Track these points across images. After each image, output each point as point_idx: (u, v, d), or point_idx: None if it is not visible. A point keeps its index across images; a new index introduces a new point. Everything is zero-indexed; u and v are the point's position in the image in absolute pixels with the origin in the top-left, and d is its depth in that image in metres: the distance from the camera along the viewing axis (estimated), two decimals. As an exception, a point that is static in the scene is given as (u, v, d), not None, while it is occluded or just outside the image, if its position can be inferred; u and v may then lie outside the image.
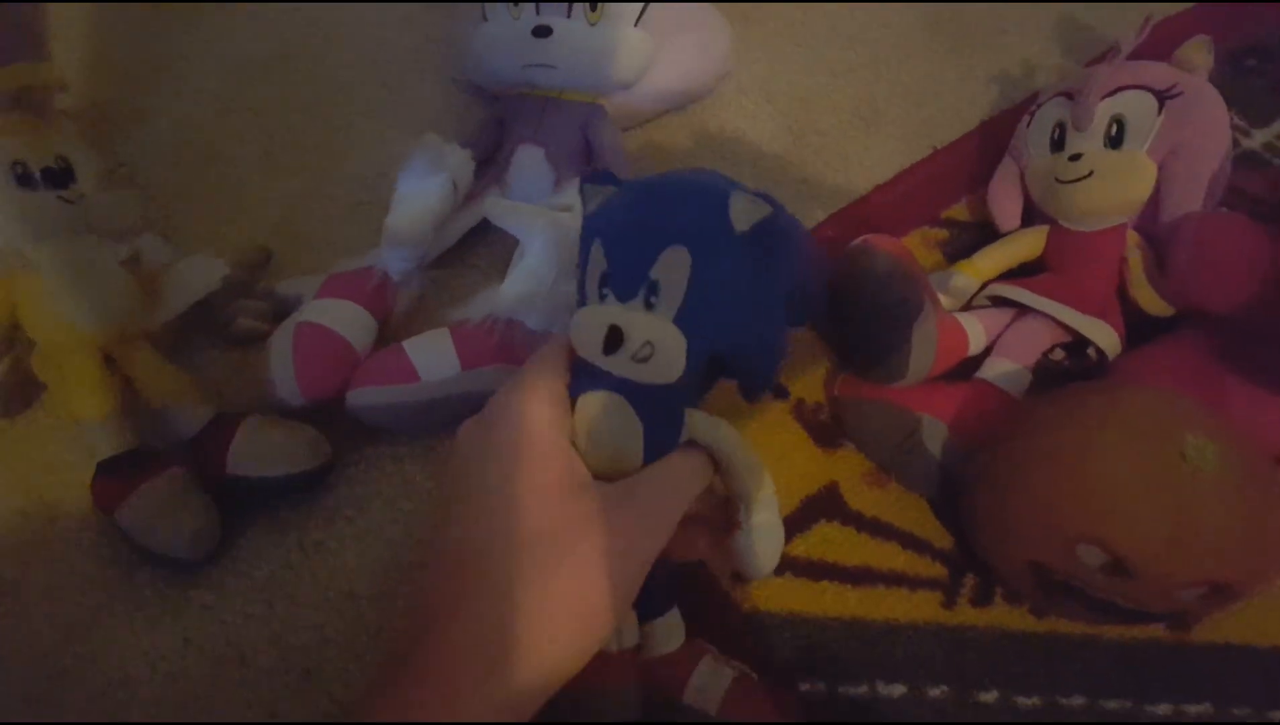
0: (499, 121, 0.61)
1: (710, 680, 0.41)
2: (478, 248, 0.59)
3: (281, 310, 0.53)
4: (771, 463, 0.47)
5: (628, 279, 0.36)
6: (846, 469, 0.51)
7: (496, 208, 0.51)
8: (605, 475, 0.35)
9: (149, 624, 0.45)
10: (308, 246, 0.60)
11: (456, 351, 0.49)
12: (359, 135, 0.66)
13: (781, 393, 0.53)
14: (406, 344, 0.49)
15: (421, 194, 0.52)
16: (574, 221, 0.47)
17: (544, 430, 0.34)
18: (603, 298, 0.36)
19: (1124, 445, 0.39)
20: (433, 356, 0.48)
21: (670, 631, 0.42)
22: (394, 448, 0.51)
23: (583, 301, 0.38)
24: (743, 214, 0.36)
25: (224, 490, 0.47)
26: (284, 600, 0.46)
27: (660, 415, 0.37)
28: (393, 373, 0.47)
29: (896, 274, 0.46)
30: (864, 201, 0.61)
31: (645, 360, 0.35)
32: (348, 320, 0.50)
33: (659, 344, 0.35)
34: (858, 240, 0.48)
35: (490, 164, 0.59)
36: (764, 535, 0.39)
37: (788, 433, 0.52)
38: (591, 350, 0.36)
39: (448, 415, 0.50)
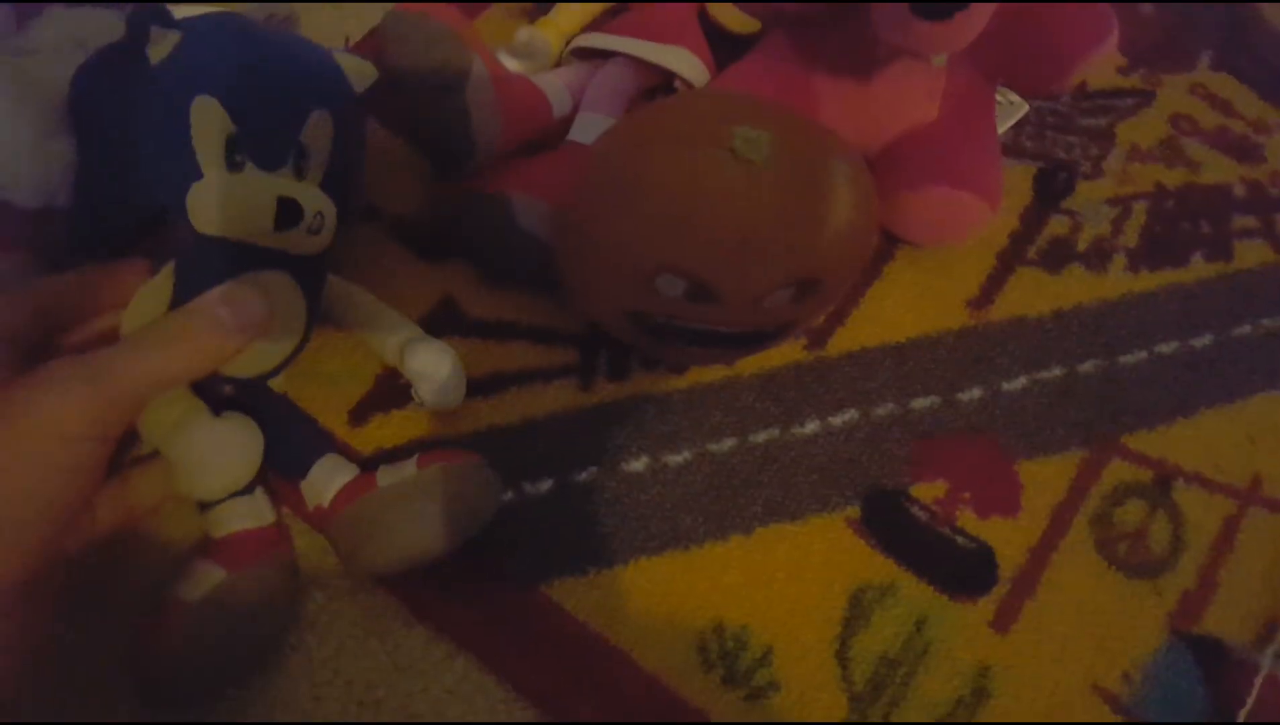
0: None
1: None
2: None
3: None
4: (376, 288, 0.42)
5: (275, 146, 0.33)
6: (459, 279, 0.46)
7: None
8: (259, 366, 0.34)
9: None
10: None
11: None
12: None
13: (370, 211, 0.47)
14: None
15: None
16: (40, 69, 0.39)
17: None
18: (236, 165, 0.32)
19: (671, 157, 0.35)
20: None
21: (334, 471, 0.37)
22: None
23: (194, 172, 0.32)
24: (357, 76, 0.37)
25: None
26: None
27: (316, 284, 0.36)
28: None
29: (430, 35, 0.40)
30: (436, -16, 0.54)
31: (317, 232, 0.34)
32: None
33: (328, 213, 0.34)
34: (387, 13, 0.42)
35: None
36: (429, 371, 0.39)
37: (389, 256, 0.47)
38: (255, 228, 0.32)
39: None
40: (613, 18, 0.49)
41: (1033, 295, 0.47)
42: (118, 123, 0.34)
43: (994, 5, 0.37)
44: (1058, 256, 0.48)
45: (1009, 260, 0.48)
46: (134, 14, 0.32)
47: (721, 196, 0.34)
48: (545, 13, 0.51)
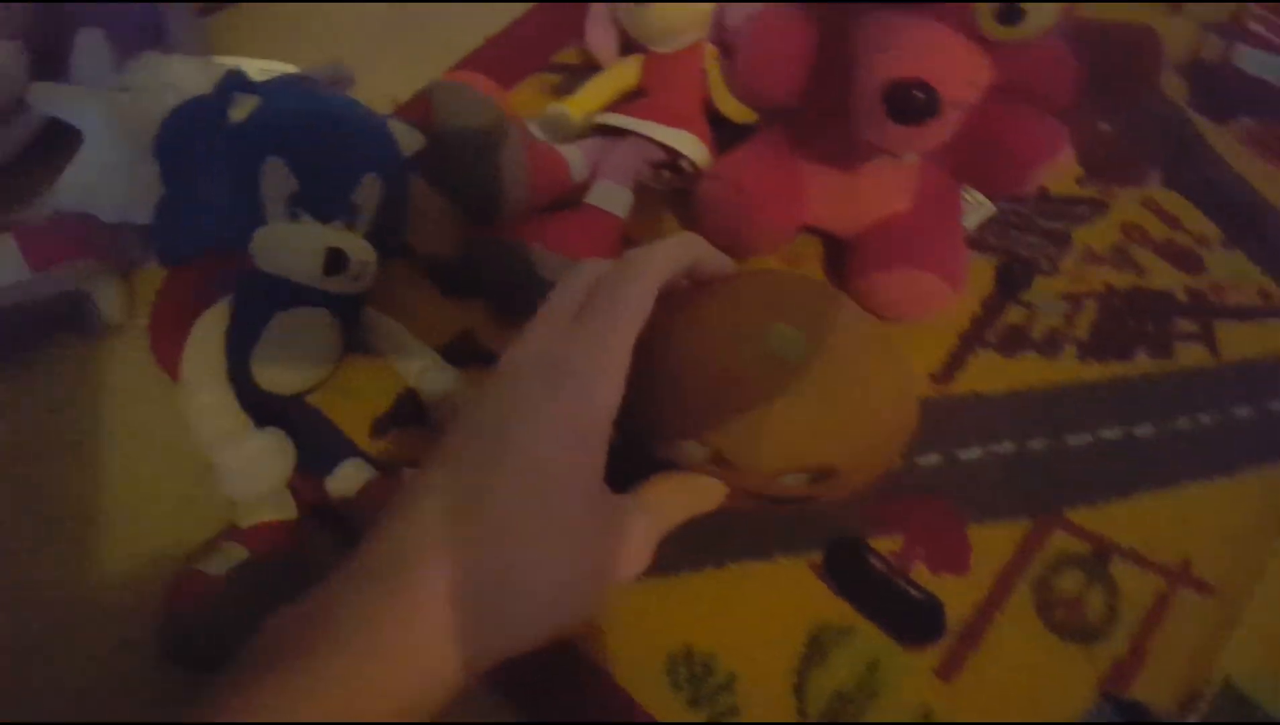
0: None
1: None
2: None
3: None
4: (405, 318, 0.47)
5: (330, 203, 0.39)
6: (479, 316, 0.51)
7: (40, 93, 0.46)
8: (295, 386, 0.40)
9: None
10: None
11: (22, 253, 0.44)
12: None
13: (406, 251, 0.52)
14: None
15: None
16: (135, 102, 0.45)
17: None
18: (294, 216, 0.38)
19: (712, 342, 0.37)
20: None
21: (358, 471, 0.41)
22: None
23: (259, 218, 0.38)
24: (407, 142, 0.44)
25: None
26: None
27: (352, 318, 0.42)
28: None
29: (473, 104, 0.45)
30: (478, 55, 0.60)
31: (359, 278, 0.40)
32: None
33: (370, 262, 0.40)
34: (435, 81, 0.47)
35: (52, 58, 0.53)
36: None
37: (419, 291, 0.51)
38: (307, 272, 0.38)
39: (25, 324, 0.45)
40: (630, 101, 0.55)
41: (990, 374, 0.52)
42: (198, 165, 0.40)
43: (961, 115, 0.43)
44: (1014, 341, 0.53)
45: (970, 341, 0.53)
46: (224, 80, 0.39)
47: (748, 385, 0.36)
48: (572, 91, 0.57)
